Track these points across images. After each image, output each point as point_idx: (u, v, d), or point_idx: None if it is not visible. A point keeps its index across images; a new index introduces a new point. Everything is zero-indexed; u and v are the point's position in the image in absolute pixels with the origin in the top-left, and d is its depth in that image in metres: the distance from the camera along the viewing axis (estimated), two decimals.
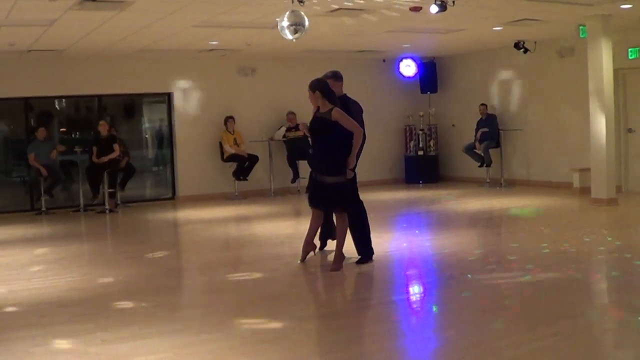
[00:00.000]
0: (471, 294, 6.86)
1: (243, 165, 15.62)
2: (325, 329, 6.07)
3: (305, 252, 8.37)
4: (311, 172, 8.22)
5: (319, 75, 8.29)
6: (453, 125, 17.98)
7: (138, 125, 17.67)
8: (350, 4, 10.04)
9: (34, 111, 15.49)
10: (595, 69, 12.32)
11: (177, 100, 15.91)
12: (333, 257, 8.06)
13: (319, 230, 8.55)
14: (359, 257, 8.24)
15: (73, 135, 16.89)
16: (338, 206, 7.98)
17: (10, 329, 6.00)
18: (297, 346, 5.42)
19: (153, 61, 15.33)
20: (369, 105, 15.15)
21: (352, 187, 8.08)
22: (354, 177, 8.11)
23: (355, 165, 8.07)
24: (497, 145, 16.15)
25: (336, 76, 8.35)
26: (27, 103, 14.96)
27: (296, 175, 15.80)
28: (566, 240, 9.31)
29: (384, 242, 9.38)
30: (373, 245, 8.38)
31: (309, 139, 8.31)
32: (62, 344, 5.59)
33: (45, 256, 9.68)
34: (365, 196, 8.63)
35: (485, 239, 10.28)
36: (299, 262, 8.35)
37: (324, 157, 7.93)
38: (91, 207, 14.44)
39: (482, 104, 16.30)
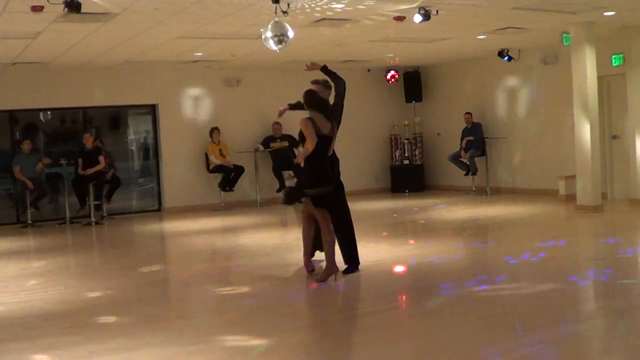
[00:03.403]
0: (457, 303, 6.89)
1: (229, 176, 15.61)
2: (311, 339, 6.07)
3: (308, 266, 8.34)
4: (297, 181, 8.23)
5: (305, 84, 8.38)
6: (438, 134, 18.03)
7: (123, 137, 17.62)
8: (333, 14, 10.07)
9: (19, 124, 15.43)
10: (579, 76, 12.40)
11: (163, 112, 15.89)
12: (324, 267, 8.03)
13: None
14: (346, 267, 8.24)
15: (58, 148, 16.82)
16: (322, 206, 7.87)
17: None
18: (282, 357, 5.43)
19: (138, 73, 15.29)
20: (354, 115, 15.33)
21: (336, 198, 8.08)
22: (339, 189, 8.12)
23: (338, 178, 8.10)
24: (483, 153, 16.21)
25: (326, 84, 8.51)
26: (12, 116, 14.90)
27: (282, 186, 15.76)
28: (551, 248, 9.36)
29: (370, 251, 9.38)
30: (359, 255, 8.39)
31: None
32: (49, 356, 5.56)
33: (32, 269, 9.65)
34: (351, 206, 8.61)
35: (471, 247, 10.31)
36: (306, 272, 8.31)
37: (305, 170, 7.90)
38: (77, 219, 14.40)
39: (467, 113, 16.34)
